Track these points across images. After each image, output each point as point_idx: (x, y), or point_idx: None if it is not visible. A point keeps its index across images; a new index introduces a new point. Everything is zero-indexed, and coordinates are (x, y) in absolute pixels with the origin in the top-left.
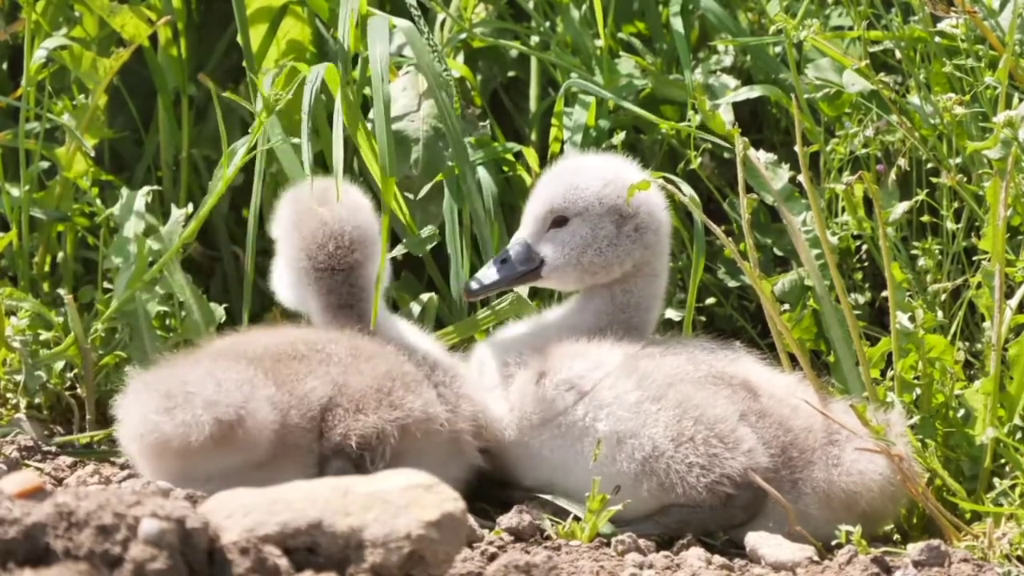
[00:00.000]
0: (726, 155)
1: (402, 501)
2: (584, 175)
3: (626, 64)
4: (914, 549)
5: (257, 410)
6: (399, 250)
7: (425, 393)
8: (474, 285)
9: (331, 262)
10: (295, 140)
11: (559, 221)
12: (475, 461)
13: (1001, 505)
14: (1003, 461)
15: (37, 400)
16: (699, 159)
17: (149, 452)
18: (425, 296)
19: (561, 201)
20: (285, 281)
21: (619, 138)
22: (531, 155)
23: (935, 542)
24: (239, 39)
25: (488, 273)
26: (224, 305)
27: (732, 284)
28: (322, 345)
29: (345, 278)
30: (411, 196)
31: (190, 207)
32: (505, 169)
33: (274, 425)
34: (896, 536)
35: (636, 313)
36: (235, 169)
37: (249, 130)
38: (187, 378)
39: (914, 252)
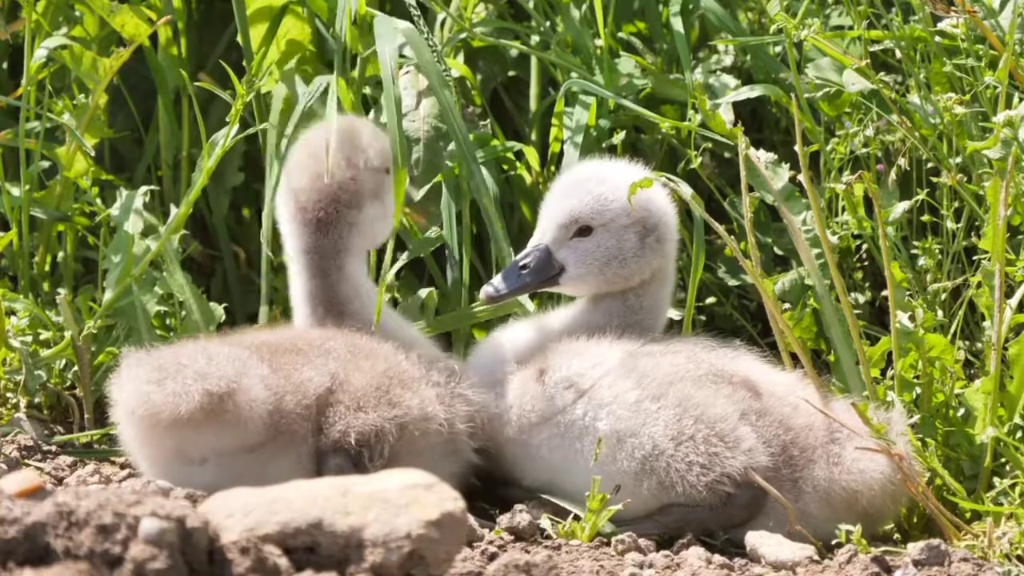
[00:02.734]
0: (726, 155)
1: (402, 500)
2: (611, 186)
3: (626, 64)
4: (914, 548)
5: (249, 387)
6: (404, 257)
7: (423, 392)
8: (493, 291)
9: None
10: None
11: (583, 231)
12: (471, 459)
13: (1001, 504)
14: (1003, 460)
15: (37, 400)
16: (699, 159)
17: (141, 427)
18: (424, 291)
19: (588, 212)
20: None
21: (619, 138)
22: (531, 154)
23: (935, 541)
24: (239, 39)
25: (508, 279)
26: (224, 305)
27: (732, 283)
28: (321, 342)
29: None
30: (411, 196)
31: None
32: (505, 168)
33: (267, 405)
34: (896, 535)
35: (647, 316)
36: (215, 159)
37: (230, 123)
38: (179, 353)
39: (914, 252)
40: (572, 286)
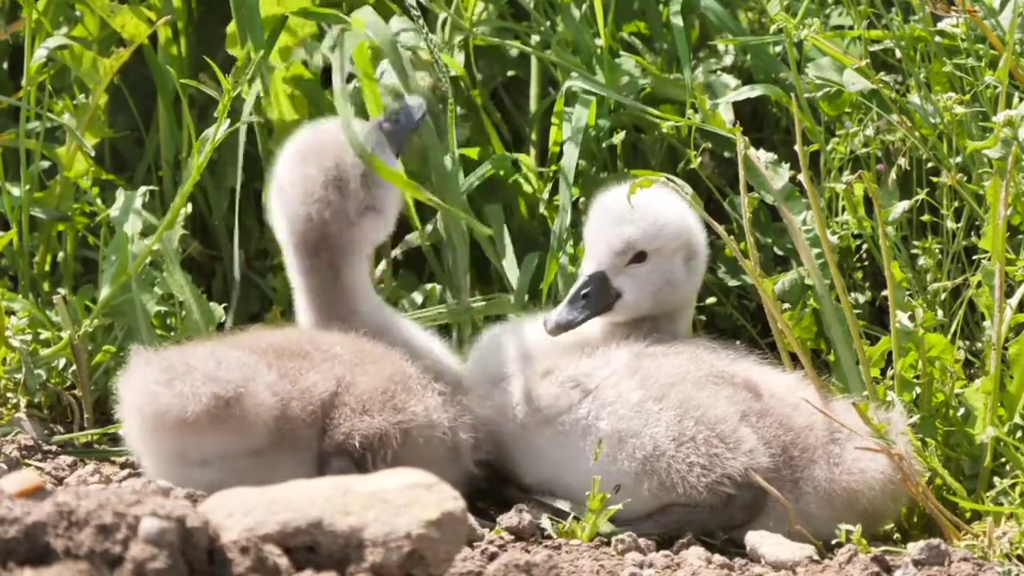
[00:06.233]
0: (726, 155)
1: (402, 500)
2: (660, 211)
3: (626, 63)
4: (914, 548)
5: (256, 392)
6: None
7: (428, 399)
8: (556, 326)
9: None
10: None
11: (639, 256)
12: (472, 470)
13: (1001, 504)
14: (1003, 460)
15: (37, 399)
16: (699, 159)
17: (146, 425)
18: (427, 287)
19: (644, 237)
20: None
21: (619, 138)
22: (527, 161)
23: (935, 541)
24: (240, 49)
25: (571, 311)
26: (224, 305)
27: (732, 283)
28: (327, 346)
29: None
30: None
31: (189, 207)
32: (504, 175)
33: (273, 411)
34: (896, 535)
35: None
36: (206, 156)
37: (219, 118)
38: (189, 354)
39: (914, 251)
40: (625, 312)
